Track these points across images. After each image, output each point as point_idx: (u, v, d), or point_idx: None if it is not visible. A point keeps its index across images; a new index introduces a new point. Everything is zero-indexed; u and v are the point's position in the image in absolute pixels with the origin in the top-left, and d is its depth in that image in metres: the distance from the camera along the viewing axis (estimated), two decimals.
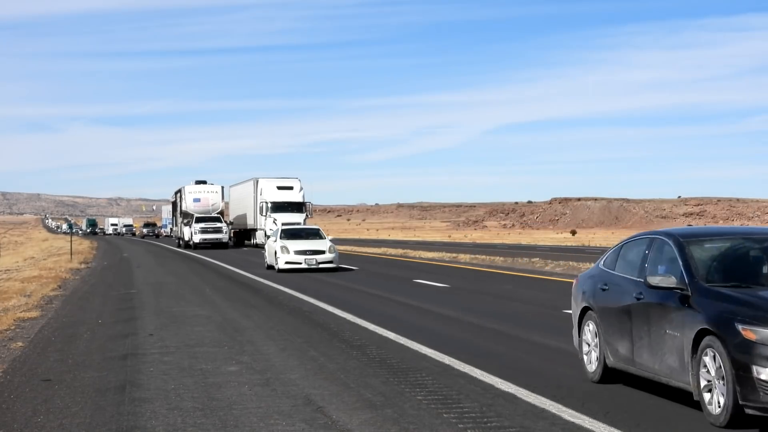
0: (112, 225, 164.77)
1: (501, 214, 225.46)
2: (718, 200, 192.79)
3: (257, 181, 62.99)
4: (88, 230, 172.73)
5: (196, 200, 67.40)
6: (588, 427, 8.26)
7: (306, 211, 60.69)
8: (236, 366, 11.74)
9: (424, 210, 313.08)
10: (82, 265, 39.84)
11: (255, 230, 63.57)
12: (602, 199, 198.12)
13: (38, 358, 12.85)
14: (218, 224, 64.33)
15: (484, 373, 10.89)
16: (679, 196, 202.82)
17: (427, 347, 13.07)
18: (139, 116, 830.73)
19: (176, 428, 8.44)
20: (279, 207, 59.69)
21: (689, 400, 9.25)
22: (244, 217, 68.17)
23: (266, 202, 59.90)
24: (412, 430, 8.22)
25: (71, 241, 55.29)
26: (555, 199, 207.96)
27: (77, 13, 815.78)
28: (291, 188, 61.48)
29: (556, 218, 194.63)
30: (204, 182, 70.08)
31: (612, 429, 8.19)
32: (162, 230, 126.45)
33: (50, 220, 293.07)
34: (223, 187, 70.30)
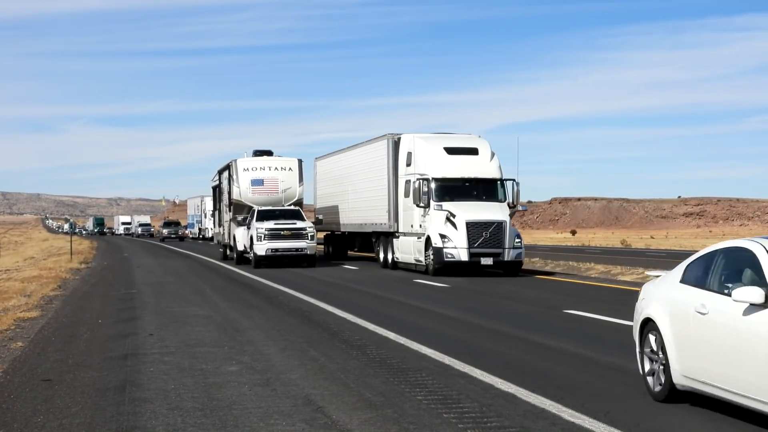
0: (124, 224, 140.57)
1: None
2: (718, 200, 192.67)
3: (398, 140, 34.04)
4: (95, 230, 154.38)
5: (257, 182, 40.29)
6: (588, 427, 8.26)
7: (508, 197, 31.64)
8: (236, 366, 11.74)
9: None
10: (82, 265, 39.84)
11: (392, 235, 34.43)
12: (602, 199, 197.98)
13: (38, 358, 12.85)
14: (298, 223, 36.99)
15: (484, 373, 10.88)
16: (679, 196, 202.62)
17: (427, 347, 13.07)
18: (139, 116, 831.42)
19: (176, 428, 8.44)
20: (452, 190, 31.20)
21: (690, 400, 9.25)
22: (355, 212, 39.33)
23: (426, 179, 31.25)
24: (412, 430, 8.22)
25: (71, 241, 55.25)
26: (555, 199, 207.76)
27: (77, 12, 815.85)
28: (475, 152, 32.16)
29: (556, 218, 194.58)
30: (268, 152, 41.70)
31: (612, 429, 8.19)
32: (188, 231, 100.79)
33: (51, 221, 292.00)
34: (300, 162, 40.95)
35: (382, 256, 35.70)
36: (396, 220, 33.56)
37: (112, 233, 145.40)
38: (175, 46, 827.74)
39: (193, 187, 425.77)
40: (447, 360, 11.95)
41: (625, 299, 19.16)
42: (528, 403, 9.26)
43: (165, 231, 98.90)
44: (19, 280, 28.74)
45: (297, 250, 36.14)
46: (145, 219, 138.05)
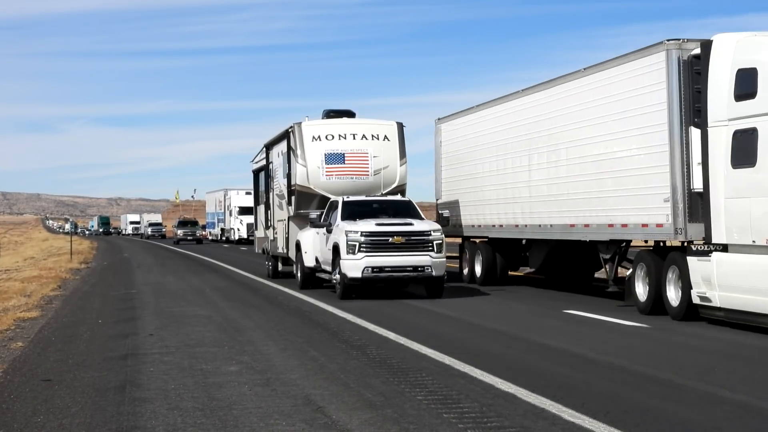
0: (132, 224, 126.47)
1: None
2: None
3: (710, 44, 15.74)
4: (101, 230, 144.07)
5: (334, 158, 24.86)
6: (588, 427, 8.26)
7: None
8: (236, 366, 11.74)
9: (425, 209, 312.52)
10: (82, 265, 39.83)
11: (682, 249, 16.40)
12: None
13: (38, 358, 12.85)
14: (416, 224, 21.28)
15: (484, 373, 10.88)
16: None
17: (427, 347, 13.06)
18: (139, 116, 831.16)
19: (176, 428, 8.44)
20: None
21: (690, 399, 9.25)
22: (548, 203, 21.58)
23: None
24: (412, 430, 8.22)
25: (71, 241, 55.25)
26: None
27: (77, 12, 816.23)
28: None
29: None
30: (349, 113, 26.28)
31: (612, 429, 8.19)
32: (207, 232, 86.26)
33: (51, 221, 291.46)
34: (401, 127, 25.47)
35: (660, 291, 16.83)
36: (692, 217, 16.45)
37: (118, 233, 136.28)
38: (175, 46, 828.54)
39: (193, 186, 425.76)
40: (447, 360, 11.94)
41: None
42: (528, 403, 9.26)
43: (180, 232, 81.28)
44: (19, 280, 28.75)
45: (416, 269, 20.66)
46: (156, 218, 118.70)
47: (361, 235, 20.62)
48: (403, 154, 24.90)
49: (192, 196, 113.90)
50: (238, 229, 70.21)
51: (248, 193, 70.05)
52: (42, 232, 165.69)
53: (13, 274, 34.03)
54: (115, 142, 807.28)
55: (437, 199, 28.64)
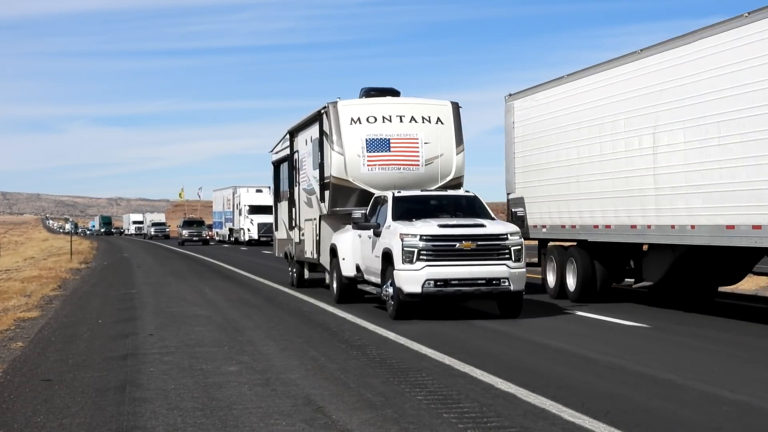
0: (135, 223, 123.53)
1: (501, 215, 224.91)
2: None
3: None
4: (102, 230, 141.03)
5: (377, 144, 20.36)
6: (588, 427, 8.26)
7: None
8: (236, 366, 11.74)
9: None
10: (82, 265, 39.84)
11: None
12: None
13: (38, 358, 12.85)
14: (488, 225, 16.93)
15: (484, 373, 10.88)
16: None
17: (427, 347, 13.05)
18: (139, 116, 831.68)
19: (176, 428, 8.44)
20: None
21: (690, 399, 9.25)
22: (710, 194, 15.73)
23: None
24: (412, 430, 8.22)
25: (71, 241, 55.25)
26: None
27: (77, 12, 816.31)
28: None
29: None
30: (392, 91, 21.56)
31: (612, 429, 8.19)
32: (214, 232, 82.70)
33: (51, 221, 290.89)
34: (457, 108, 20.98)
35: None
36: None
37: (120, 233, 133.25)
38: (175, 46, 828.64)
39: (192, 186, 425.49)
40: (447, 360, 11.93)
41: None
42: (528, 403, 9.26)
43: (185, 232, 76.26)
44: (19, 280, 28.76)
45: (490, 282, 16.47)
46: (160, 217, 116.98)
47: (421, 240, 16.36)
48: (459, 140, 20.63)
49: (198, 195, 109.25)
50: (248, 230, 66.52)
51: (259, 191, 67.50)
52: (42, 232, 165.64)
53: (13, 274, 34.04)
54: (115, 142, 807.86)
55: (508, 194, 23.36)
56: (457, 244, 16.35)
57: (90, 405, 9.55)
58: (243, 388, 10.21)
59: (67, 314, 18.93)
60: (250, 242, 65.34)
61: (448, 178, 20.32)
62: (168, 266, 38.76)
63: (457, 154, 20.48)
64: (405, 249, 16.32)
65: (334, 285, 20.32)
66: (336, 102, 20.63)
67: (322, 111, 20.88)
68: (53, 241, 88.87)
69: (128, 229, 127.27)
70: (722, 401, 9.39)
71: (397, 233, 16.65)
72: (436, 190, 19.74)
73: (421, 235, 16.37)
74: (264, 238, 62.66)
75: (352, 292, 19.83)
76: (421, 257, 16.29)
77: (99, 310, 19.67)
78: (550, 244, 21.71)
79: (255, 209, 65.02)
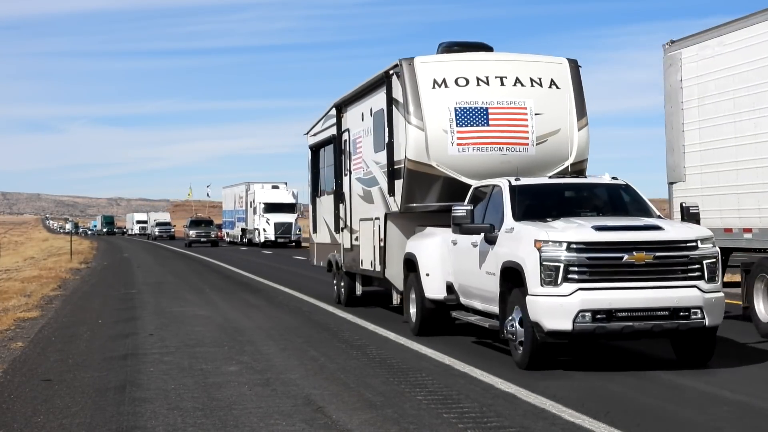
0: (139, 223, 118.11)
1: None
2: None
3: None
4: (104, 230, 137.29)
5: (470, 114, 14.76)
6: (588, 427, 8.26)
7: None
8: (236, 366, 11.74)
9: None
10: (82, 265, 39.82)
11: None
12: None
13: (38, 358, 12.85)
14: (666, 229, 11.24)
15: (484, 373, 10.87)
16: None
17: (427, 347, 13.05)
18: (139, 116, 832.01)
19: (176, 428, 8.44)
20: None
21: (690, 399, 9.24)
22: None
23: None
24: (412, 430, 8.22)
25: (71, 241, 55.23)
26: None
27: (77, 13, 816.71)
28: None
29: None
30: (484, 46, 16.02)
31: (612, 429, 8.19)
32: (224, 232, 76.52)
33: (51, 222, 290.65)
34: (575, 65, 15.30)
35: None
36: None
37: (123, 233, 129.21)
38: (175, 46, 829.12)
39: (199, 186, 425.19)
40: (447, 360, 11.93)
41: None
42: (528, 403, 9.26)
43: (192, 233, 68.79)
44: (19, 280, 28.76)
45: (674, 313, 10.91)
46: (164, 216, 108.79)
47: (569, 249, 10.91)
48: (582, 110, 15.24)
49: (207, 194, 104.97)
50: (264, 230, 59.71)
51: (275, 187, 62.02)
52: (42, 232, 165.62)
53: (13, 274, 34.04)
54: (115, 142, 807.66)
55: (671, 183, 16.78)
56: (626, 256, 10.86)
57: (90, 405, 9.56)
58: (243, 388, 10.21)
59: (67, 314, 18.93)
60: (266, 244, 59.32)
61: (568, 162, 15.03)
62: (167, 266, 38.60)
63: (579, 129, 15.16)
64: (545, 263, 10.93)
65: (412, 311, 14.91)
66: (412, 59, 15.22)
67: (391, 72, 15.52)
68: (53, 241, 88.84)
69: (132, 229, 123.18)
70: (722, 401, 9.39)
71: (528, 239, 11.28)
72: (574, 177, 14.31)
73: (569, 243, 10.92)
74: (281, 240, 58.81)
75: (440, 319, 14.46)
76: (570, 276, 10.86)
77: (99, 310, 19.66)
78: (761, 256, 14.60)
79: (271, 207, 59.49)
